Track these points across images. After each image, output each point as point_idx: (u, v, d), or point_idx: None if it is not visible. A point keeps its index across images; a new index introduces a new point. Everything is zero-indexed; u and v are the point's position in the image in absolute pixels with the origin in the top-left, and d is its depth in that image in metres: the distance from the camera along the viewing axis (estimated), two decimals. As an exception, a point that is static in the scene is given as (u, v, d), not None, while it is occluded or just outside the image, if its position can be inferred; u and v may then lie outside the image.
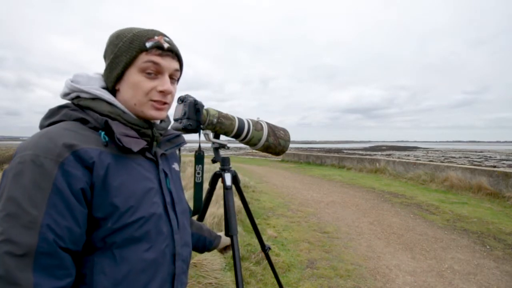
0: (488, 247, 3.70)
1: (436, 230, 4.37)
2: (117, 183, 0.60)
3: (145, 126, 0.70)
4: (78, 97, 0.67)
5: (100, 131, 0.63)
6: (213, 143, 1.32)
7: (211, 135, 1.30)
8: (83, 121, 0.63)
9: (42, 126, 0.65)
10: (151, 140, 0.72)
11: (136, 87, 0.66)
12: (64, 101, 0.70)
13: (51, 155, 0.54)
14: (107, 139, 0.62)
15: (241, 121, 1.33)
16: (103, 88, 0.70)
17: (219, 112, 1.26)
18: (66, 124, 0.61)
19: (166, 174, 0.74)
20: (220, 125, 1.26)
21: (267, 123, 1.45)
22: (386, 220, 4.92)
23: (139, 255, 0.62)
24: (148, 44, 0.65)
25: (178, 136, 0.84)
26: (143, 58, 0.65)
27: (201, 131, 1.23)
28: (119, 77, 0.67)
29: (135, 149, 0.64)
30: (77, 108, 0.65)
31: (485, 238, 4.01)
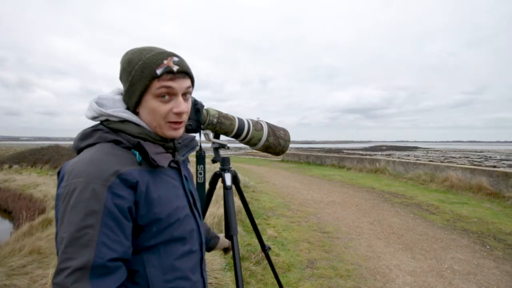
0: (488, 247, 3.70)
1: (436, 230, 4.37)
2: (156, 196, 0.70)
3: (168, 141, 0.78)
4: (107, 120, 0.73)
5: (134, 151, 0.71)
6: (213, 143, 1.32)
7: (211, 135, 1.29)
8: (117, 142, 0.70)
9: (78, 148, 0.72)
10: (173, 151, 0.81)
11: (153, 112, 0.71)
12: (87, 120, 0.76)
13: (100, 180, 0.61)
14: (140, 158, 0.70)
15: (241, 121, 1.33)
16: (127, 108, 0.75)
17: (219, 112, 1.26)
18: (104, 148, 0.68)
19: (185, 178, 0.84)
20: (220, 125, 1.26)
21: (267, 123, 1.45)
22: (386, 220, 4.92)
23: (178, 248, 0.74)
24: (158, 71, 0.69)
25: (192, 139, 0.92)
26: (156, 85, 0.69)
27: (201, 131, 1.23)
28: (138, 103, 0.73)
29: (165, 164, 0.73)
30: (109, 130, 0.72)
31: (485, 238, 4.01)
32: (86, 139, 0.71)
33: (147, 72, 0.69)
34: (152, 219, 0.68)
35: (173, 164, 0.79)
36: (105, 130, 0.71)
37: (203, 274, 0.83)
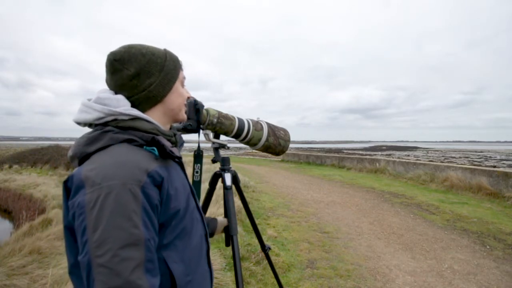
0: (488, 247, 3.70)
1: (436, 230, 4.37)
2: (173, 191, 0.71)
3: (172, 135, 0.82)
4: (115, 119, 0.71)
5: (146, 147, 0.71)
6: (213, 143, 1.32)
7: (211, 135, 1.29)
8: (129, 141, 0.70)
9: (85, 153, 0.69)
10: (175, 145, 0.85)
11: (182, 96, 0.83)
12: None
13: (134, 181, 0.62)
14: (157, 153, 0.72)
15: (241, 121, 1.33)
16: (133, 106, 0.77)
17: (219, 112, 1.26)
18: (122, 148, 0.68)
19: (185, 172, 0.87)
20: (220, 125, 1.26)
21: (267, 123, 1.45)
22: (386, 220, 4.92)
23: (191, 240, 0.76)
24: (181, 63, 0.84)
25: (180, 136, 0.95)
26: (182, 74, 0.84)
27: (201, 131, 1.23)
28: (169, 90, 0.79)
29: (180, 156, 0.78)
30: (119, 130, 0.71)
31: (485, 238, 4.01)
32: (95, 143, 0.68)
33: (177, 63, 0.81)
34: (172, 214, 0.70)
35: (176, 159, 0.80)
36: (115, 130, 0.70)
37: (209, 264, 0.86)
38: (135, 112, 0.72)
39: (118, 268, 0.56)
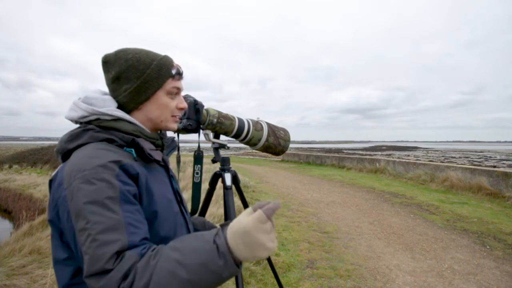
0: (488, 247, 3.70)
1: (436, 230, 4.37)
2: (153, 189, 0.71)
3: (158, 138, 0.82)
4: (98, 119, 0.73)
5: (126, 148, 0.71)
6: (213, 143, 1.32)
7: (211, 135, 1.30)
8: (109, 141, 0.71)
9: (65, 150, 0.71)
10: (162, 149, 0.85)
11: (164, 107, 0.79)
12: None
13: (107, 170, 0.62)
14: (136, 155, 0.72)
15: (241, 121, 1.33)
16: (119, 107, 0.77)
17: (219, 112, 1.26)
18: (98, 145, 0.68)
19: (172, 176, 0.86)
20: (220, 125, 1.26)
21: (267, 123, 1.45)
22: (386, 220, 4.92)
23: None
24: (173, 72, 0.78)
25: (173, 140, 0.96)
26: (170, 83, 0.78)
27: (201, 131, 1.23)
28: (147, 99, 0.77)
29: (160, 159, 0.77)
30: (100, 129, 0.72)
31: (485, 238, 4.01)
32: (76, 140, 0.70)
33: (164, 72, 0.77)
34: (153, 212, 0.70)
35: (162, 163, 0.81)
36: (96, 129, 0.71)
37: None
38: (118, 113, 0.73)
39: (98, 253, 0.56)
